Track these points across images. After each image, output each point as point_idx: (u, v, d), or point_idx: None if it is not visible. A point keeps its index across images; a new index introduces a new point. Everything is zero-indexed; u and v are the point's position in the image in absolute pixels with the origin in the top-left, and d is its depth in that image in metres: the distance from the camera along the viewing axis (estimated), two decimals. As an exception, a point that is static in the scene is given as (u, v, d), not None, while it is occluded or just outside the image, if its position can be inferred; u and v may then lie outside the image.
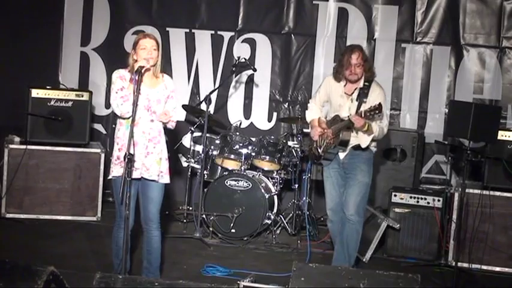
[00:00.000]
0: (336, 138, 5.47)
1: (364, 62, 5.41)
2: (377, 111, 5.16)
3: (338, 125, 5.43)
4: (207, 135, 6.73)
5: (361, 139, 5.45)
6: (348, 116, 5.34)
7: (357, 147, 5.48)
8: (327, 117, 5.68)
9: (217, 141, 6.96)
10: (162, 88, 4.93)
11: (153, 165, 4.87)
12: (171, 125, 4.96)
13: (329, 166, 5.63)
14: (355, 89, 5.47)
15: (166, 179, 4.96)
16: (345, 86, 5.52)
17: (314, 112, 5.71)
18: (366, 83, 5.45)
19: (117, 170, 4.82)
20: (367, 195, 5.60)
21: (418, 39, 7.58)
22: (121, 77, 4.83)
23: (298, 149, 6.86)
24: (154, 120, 4.88)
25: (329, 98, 5.63)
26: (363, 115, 5.21)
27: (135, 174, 4.76)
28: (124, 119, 4.84)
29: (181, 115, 7.68)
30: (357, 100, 5.42)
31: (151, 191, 4.92)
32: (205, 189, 6.70)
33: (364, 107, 5.34)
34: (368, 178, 5.55)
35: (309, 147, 5.89)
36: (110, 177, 4.93)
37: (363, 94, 5.43)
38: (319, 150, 5.62)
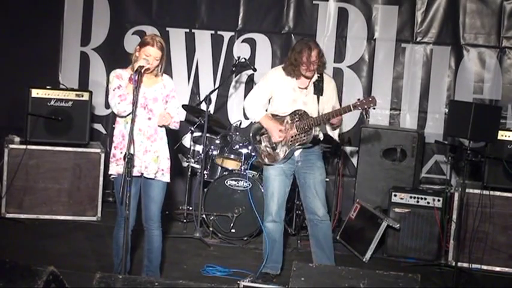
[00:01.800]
0: (304, 135, 5.32)
1: (321, 58, 5.32)
2: (371, 104, 5.13)
3: (307, 121, 5.29)
4: (207, 135, 6.74)
5: (333, 134, 5.44)
6: (326, 114, 5.24)
7: (312, 143, 5.41)
8: (270, 112, 5.50)
9: (217, 141, 6.96)
10: (160, 87, 4.94)
11: (151, 163, 4.88)
12: (175, 126, 4.97)
13: (278, 164, 5.44)
14: (309, 82, 5.39)
15: (166, 178, 4.96)
16: (297, 79, 5.39)
17: (261, 109, 5.48)
18: (318, 75, 5.39)
19: (113, 168, 4.88)
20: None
21: (418, 39, 7.57)
22: (118, 76, 4.86)
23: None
24: (152, 119, 4.89)
25: (276, 93, 5.44)
26: (352, 108, 5.15)
27: (134, 172, 4.78)
28: (121, 117, 4.86)
29: (182, 115, 7.68)
30: (314, 94, 5.36)
31: (152, 190, 4.93)
32: (205, 189, 6.70)
33: (323, 101, 5.33)
34: (325, 174, 5.54)
35: (254, 146, 5.62)
36: (111, 177, 4.97)
37: (318, 87, 5.35)
38: (276, 149, 5.42)
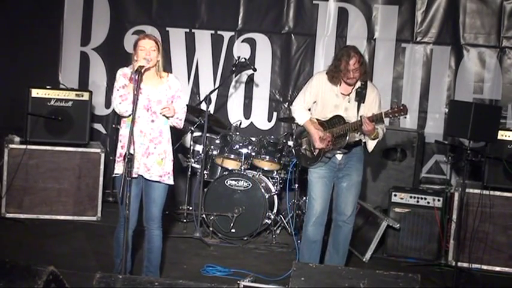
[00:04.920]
0: (340, 140, 5.34)
1: (360, 66, 5.28)
2: (402, 113, 5.16)
3: (342, 127, 5.32)
4: (207, 135, 6.74)
5: (367, 144, 5.41)
6: (361, 116, 5.23)
7: (353, 145, 5.41)
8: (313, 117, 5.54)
9: (217, 141, 6.96)
10: (165, 88, 4.91)
11: (154, 165, 4.86)
12: (177, 122, 4.92)
13: (321, 167, 5.47)
14: (352, 89, 5.40)
15: (171, 180, 4.95)
16: (340, 85, 5.41)
17: (305, 113, 5.51)
18: (362, 83, 5.39)
19: (119, 167, 4.83)
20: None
21: (418, 39, 7.57)
22: (124, 74, 4.84)
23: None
24: (155, 121, 4.87)
25: (320, 98, 5.46)
26: (383, 116, 5.17)
27: (133, 173, 4.75)
28: (124, 117, 4.85)
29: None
30: (355, 100, 5.36)
31: (153, 191, 4.92)
32: (205, 189, 6.71)
33: (364, 108, 5.31)
34: (361, 176, 5.53)
35: (295, 148, 5.73)
36: (113, 175, 4.95)
37: (360, 95, 5.36)
38: (314, 152, 5.48)
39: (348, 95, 5.40)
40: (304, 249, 5.57)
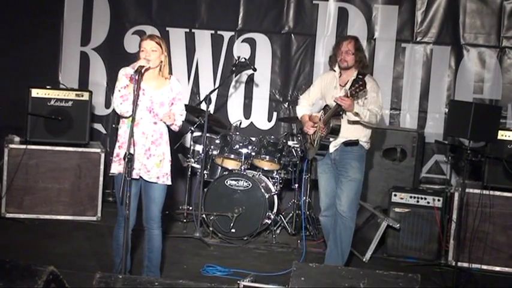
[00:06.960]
0: (327, 127, 5.52)
1: (355, 51, 5.48)
2: (361, 87, 5.23)
3: (328, 113, 5.51)
4: (207, 134, 6.74)
5: (357, 131, 5.51)
6: (334, 100, 5.40)
7: (348, 144, 5.52)
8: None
9: (217, 141, 6.96)
10: (167, 90, 4.91)
11: (153, 167, 4.87)
12: (174, 128, 4.96)
13: (323, 162, 5.68)
14: (349, 80, 5.52)
15: (169, 181, 4.96)
16: (339, 77, 5.59)
17: (305, 108, 5.80)
18: (360, 76, 5.47)
19: (115, 167, 4.85)
20: (359, 192, 5.65)
21: (418, 39, 7.57)
22: (127, 74, 4.84)
23: (298, 149, 6.86)
24: (158, 123, 4.87)
25: (323, 93, 5.69)
26: (349, 94, 5.29)
27: (133, 175, 4.75)
28: (125, 117, 4.85)
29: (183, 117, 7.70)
30: (349, 90, 5.43)
31: (153, 191, 4.92)
32: (205, 189, 6.71)
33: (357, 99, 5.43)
34: (360, 174, 5.58)
35: (304, 145, 5.97)
36: (109, 174, 4.97)
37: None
38: (313, 143, 5.68)
39: (345, 85, 5.53)
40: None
